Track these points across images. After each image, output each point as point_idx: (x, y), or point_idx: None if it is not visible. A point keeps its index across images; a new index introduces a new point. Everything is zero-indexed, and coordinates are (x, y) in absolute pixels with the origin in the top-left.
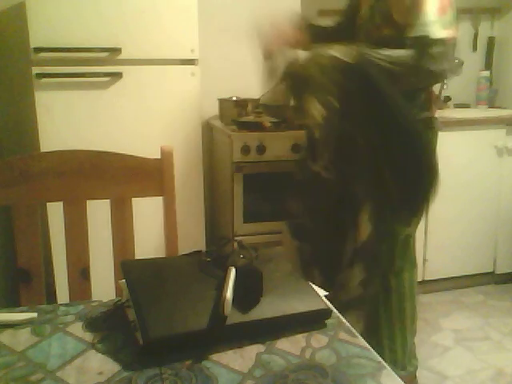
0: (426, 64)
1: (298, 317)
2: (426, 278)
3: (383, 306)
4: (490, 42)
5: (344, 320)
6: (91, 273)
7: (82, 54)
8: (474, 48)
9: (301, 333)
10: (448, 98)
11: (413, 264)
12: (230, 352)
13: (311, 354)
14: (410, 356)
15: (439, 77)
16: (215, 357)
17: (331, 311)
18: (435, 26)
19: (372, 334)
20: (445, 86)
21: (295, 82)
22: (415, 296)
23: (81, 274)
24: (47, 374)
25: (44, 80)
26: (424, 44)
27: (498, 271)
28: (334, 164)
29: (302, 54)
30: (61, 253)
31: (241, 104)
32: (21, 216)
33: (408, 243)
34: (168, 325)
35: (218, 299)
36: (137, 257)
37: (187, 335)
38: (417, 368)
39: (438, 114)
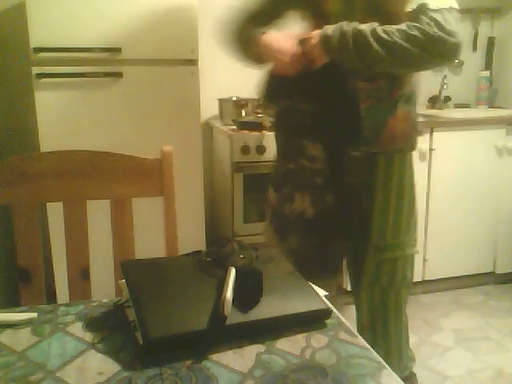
0: (433, 33)
1: (298, 317)
2: (425, 278)
3: (380, 321)
4: (490, 42)
5: (344, 320)
6: (91, 273)
7: (82, 54)
8: (474, 48)
9: (301, 333)
10: (448, 98)
11: (410, 280)
12: (229, 352)
13: (311, 354)
14: (407, 360)
15: (450, 47)
16: (215, 357)
17: (331, 311)
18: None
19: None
20: (445, 86)
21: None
22: (406, 307)
23: (81, 274)
24: (47, 373)
25: (44, 80)
26: (424, 11)
27: (498, 271)
28: None
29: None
30: (61, 253)
31: (241, 104)
32: (21, 216)
33: (409, 263)
34: (168, 325)
35: (218, 299)
36: (137, 257)
37: (187, 335)
38: (413, 367)
39: (431, 113)
